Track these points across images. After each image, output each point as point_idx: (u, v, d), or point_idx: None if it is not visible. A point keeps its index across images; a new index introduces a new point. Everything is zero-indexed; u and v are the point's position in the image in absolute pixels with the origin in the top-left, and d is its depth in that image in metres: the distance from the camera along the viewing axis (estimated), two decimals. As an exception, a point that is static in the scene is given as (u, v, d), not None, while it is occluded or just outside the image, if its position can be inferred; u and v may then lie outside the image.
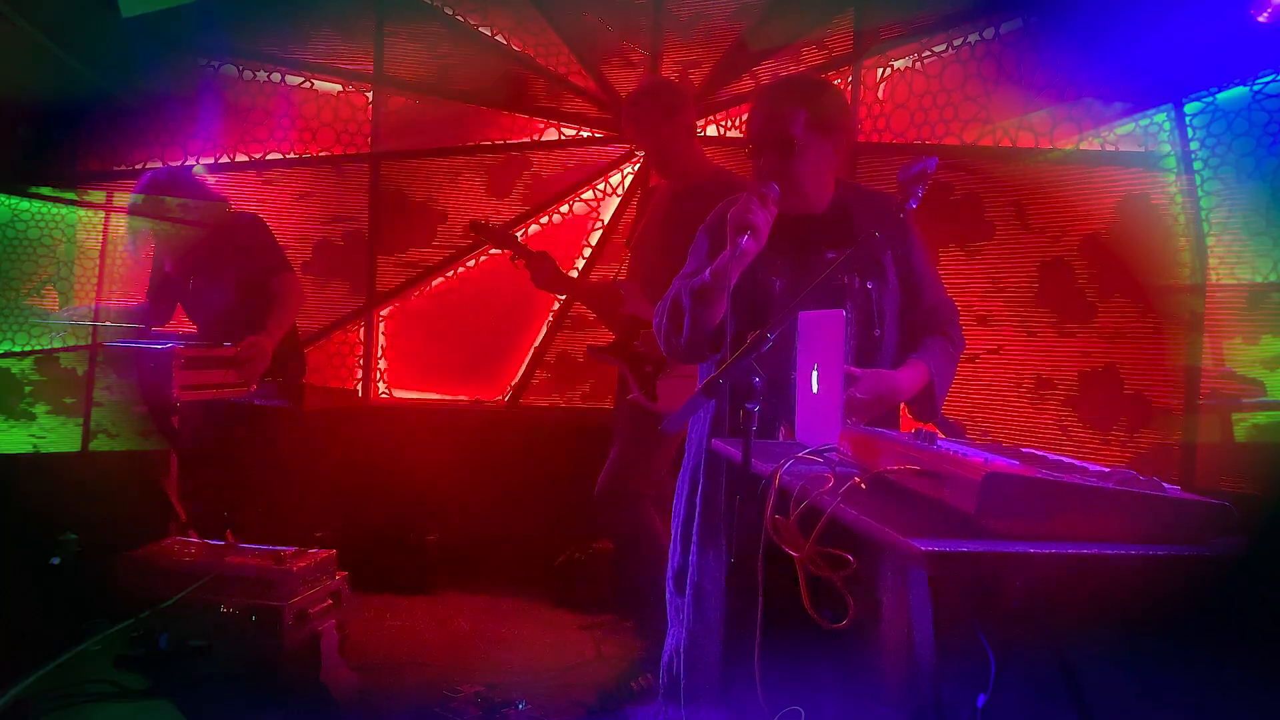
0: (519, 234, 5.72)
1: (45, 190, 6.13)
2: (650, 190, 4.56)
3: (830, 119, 2.90)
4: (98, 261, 6.23)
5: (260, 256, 4.74)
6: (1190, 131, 4.52)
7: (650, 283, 4.26)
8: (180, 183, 4.75)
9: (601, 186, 6.08)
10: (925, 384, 2.86)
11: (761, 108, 2.95)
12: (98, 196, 6.28)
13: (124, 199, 6.26)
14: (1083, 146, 4.79)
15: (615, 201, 6.06)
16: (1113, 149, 4.72)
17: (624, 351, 4.33)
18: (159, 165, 6.21)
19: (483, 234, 4.78)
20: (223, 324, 4.63)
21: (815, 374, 2.42)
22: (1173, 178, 4.56)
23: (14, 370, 6.01)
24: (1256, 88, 4.33)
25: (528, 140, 6.13)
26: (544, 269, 4.52)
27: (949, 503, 1.75)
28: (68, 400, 6.10)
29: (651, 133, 4.21)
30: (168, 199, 4.65)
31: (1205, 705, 3.54)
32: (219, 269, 4.70)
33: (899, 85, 5.34)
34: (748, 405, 2.15)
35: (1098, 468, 1.85)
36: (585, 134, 6.06)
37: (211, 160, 6.28)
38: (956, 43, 5.14)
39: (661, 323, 2.97)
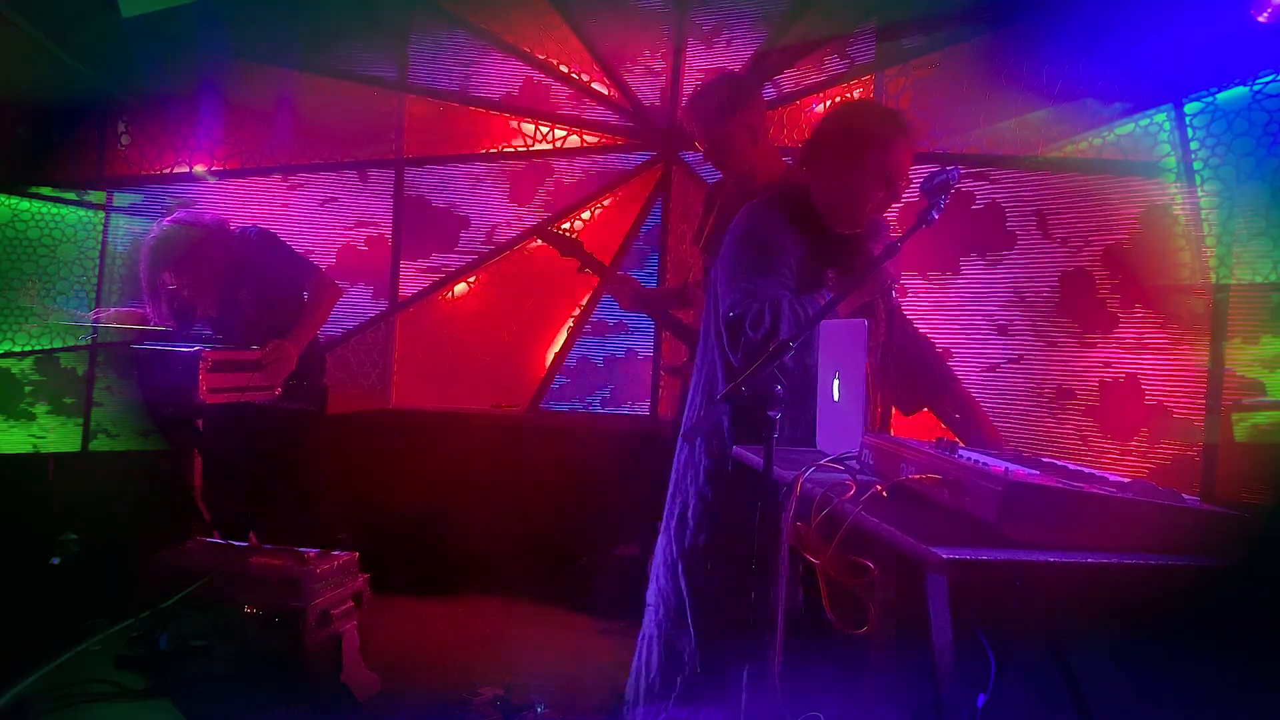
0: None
1: (45, 190, 6.13)
2: (716, 187, 4.46)
3: None
4: (97, 263, 6.25)
5: (281, 270, 4.77)
6: (1190, 132, 4.51)
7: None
8: (184, 231, 4.75)
9: (623, 193, 6.08)
10: None
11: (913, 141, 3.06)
12: (98, 196, 6.28)
13: (125, 199, 6.31)
14: (1083, 147, 4.80)
15: (636, 208, 6.04)
16: (1135, 159, 4.70)
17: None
18: (160, 168, 6.24)
19: (569, 251, 4.67)
20: (249, 342, 4.65)
21: (837, 382, 2.43)
22: (1173, 177, 4.56)
23: (14, 370, 6.02)
24: (1256, 88, 4.32)
25: (550, 147, 6.14)
26: (624, 290, 4.50)
27: (970, 511, 1.76)
28: (68, 400, 6.10)
29: (708, 130, 4.11)
30: (182, 253, 4.68)
31: (1205, 706, 3.54)
32: (235, 293, 4.75)
33: (920, 94, 5.32)
34: (770, 412, 2.16)
35: (1117, 478, 1.86)
36: (607, 141, 6.07)
37: (236, 165, 6.32)
38: (976, 55, 5.12)
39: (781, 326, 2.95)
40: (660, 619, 3.35)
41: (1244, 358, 4.38)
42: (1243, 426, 4.38)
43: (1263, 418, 4.34)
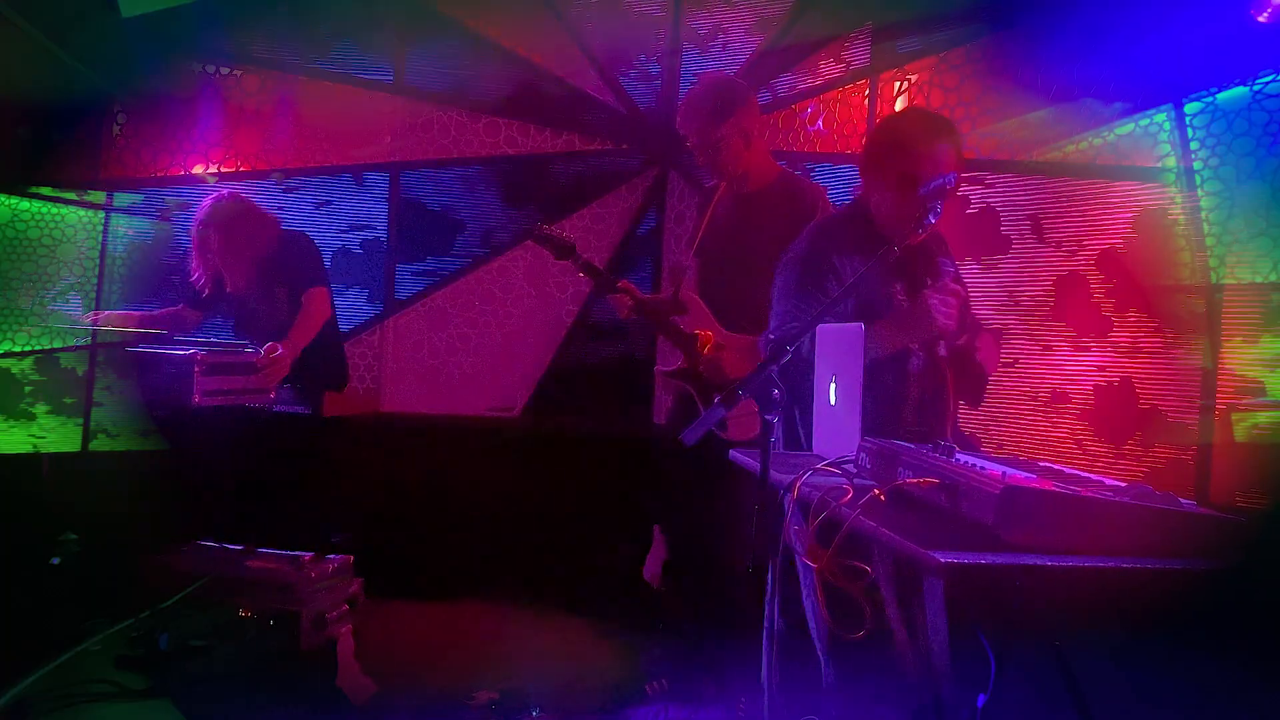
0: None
1: (45, 190, 6.12)
2: (709, 190, 4.45)
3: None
4: (97, 263, 6.24)
5: (303, 272, 4.81)
6: (1190, 131, 4.51)
7: (717, 295, 4.22)
8: (242, 205, 4.82)
9: (618, 197, 6.08)
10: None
11: (955, 145, 3.03)
12: (97, 196, 6.27)
13: (125, 199, 6.31)
14: (1082, 147, 4.79)
15: (632, 212, 6.05)
16: (1129, 164, 4.70)
17: (691, 375, 4.24)
18: (160, 168, 6.24)
19: (574, 262, 4.60)
20: (275, 340, 4.67)
21: (833, 386, 2.43)
22: (1172, 178, 4.55)
23: (14, 370, 6.01)
24: (1256, 88, 4.31)
25: (545, 151, 6.14)
26: (622, 298, 4.44)
27: (967, 515, 1.76)
28: (68, 400, 6.10)
29: (702, 134, 4.10)
30: (232, 218, 4.72)
31: (1206, 706, 3.54)
32: (272, 287, 4.81)
33: (916, 98, 5.30)
34: (767, 417, 2.15)
35: (1113, 482, 1.86)
36: (602, 145, 6.07)
37: (233, 168, 6.31)
38: (975, 57, 5.12)
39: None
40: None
41: (1244, 358, 4.37)
42: (1243, 426, 4.38)
43: (1263, 418, 4.34)
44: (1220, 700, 3.53)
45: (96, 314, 5.53)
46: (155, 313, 5.08)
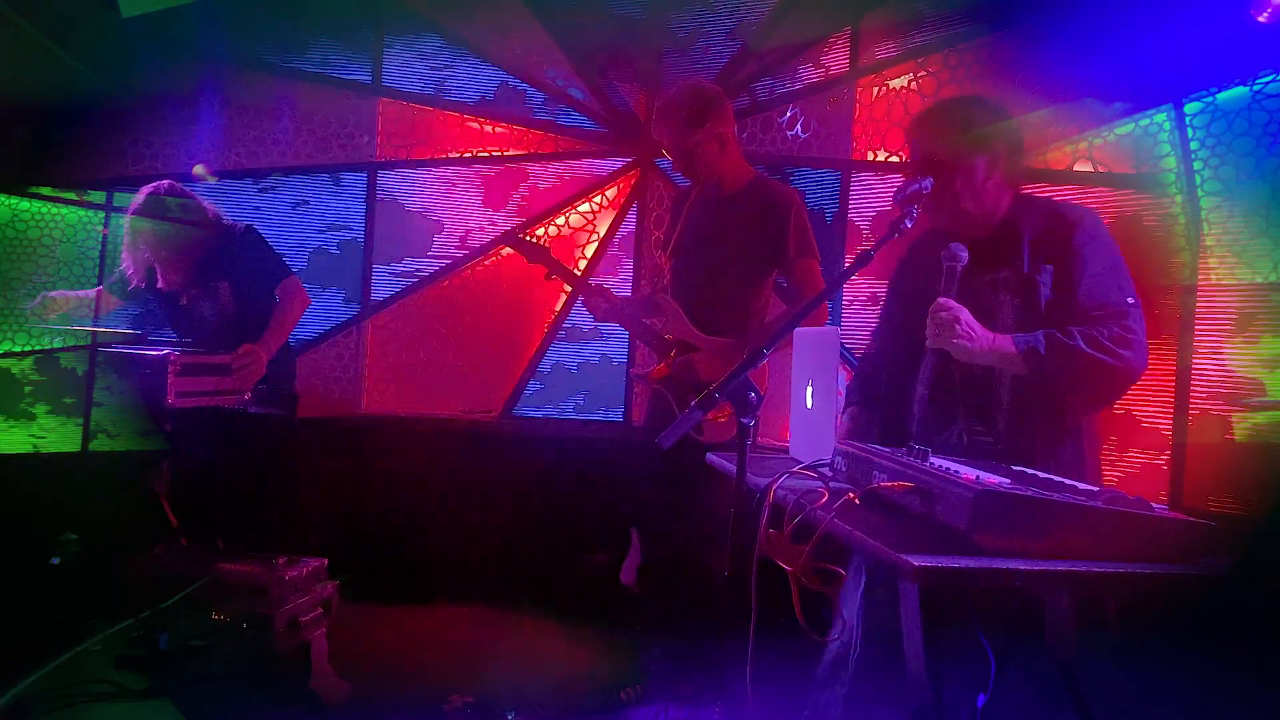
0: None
1: (45, 190, 6.14)
2: (683, 193, 4.46)
3: (982, 135, 2.89)
4: (97, 263, 6.25)
5: (259, 265, 4.77)
6: (1190, 131, 4.50)
7: (691, 296, 4.22)
8: (178, 196, 4.76)
9: (598, 199, 6.07)
10: (1009, 353, 2.74)
11: (915, 134, 2.94)
12: (98, 196, 6.28)
13: (125, 199, 6.29)
14: (1082, 147, 4.78)
15: (611, 214, 6.05)
16: (1105, 169, 4.68)
17: (667, 378, 4.24)
18: (159, 168, 6.24)
19: (537, 259, 4.58)
20: (218, 337, 4.64)
21: (809, 389, 2.43)
22: (1172, 178, 4.54)
23: (14, 370, 6.03)
24: (1256, 88, 4.30)
25: (524, 152, 6.14)
26: (598, 301, 4.39)
27: (941, 518, 1.76)
28: (68, 400, 6.11)
29: (677, 140, 4.12)
30: (168, 211, 4.68)
31: (1206, 706, 3.53)
32: (213, 282, 4.74)
33: (895, 104, 5.30)
34: (743, 420, 2.15)
35: (1086, 486, 1.86)
36: (582, 146, 6.07)
37: (232, 167, 6.31)
38: (953, 62, 5.12)
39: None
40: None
41: (1244, 358, 4.36)
42: (1242, 427, 4.36)
43: (1263, 418, 4.32)
44: (1219, 700, 3.52)
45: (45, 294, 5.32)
46: (79, 293, 5.01)
